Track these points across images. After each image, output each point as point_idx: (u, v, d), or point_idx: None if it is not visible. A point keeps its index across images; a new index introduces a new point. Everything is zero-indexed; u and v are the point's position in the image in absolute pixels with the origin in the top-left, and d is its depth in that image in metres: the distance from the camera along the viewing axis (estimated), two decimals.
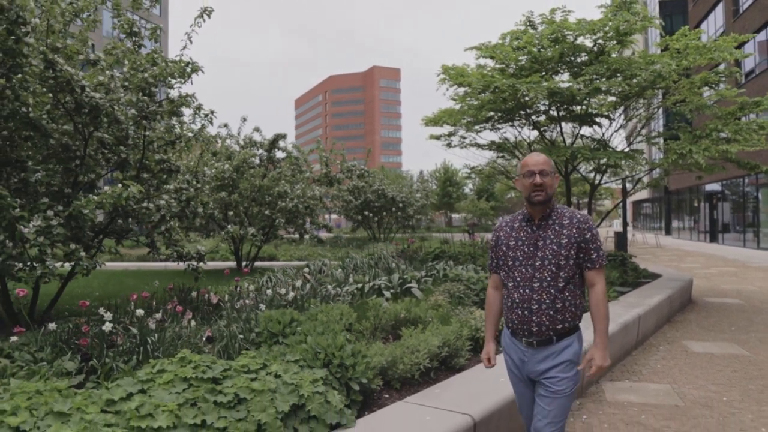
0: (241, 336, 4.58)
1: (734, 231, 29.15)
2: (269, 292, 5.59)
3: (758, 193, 25.78)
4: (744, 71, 26.34)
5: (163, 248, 6.76)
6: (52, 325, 4.14)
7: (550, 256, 2.77)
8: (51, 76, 4.91)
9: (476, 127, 12.16)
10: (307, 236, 12.98)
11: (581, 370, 2.86)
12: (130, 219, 5.97)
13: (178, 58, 6.44)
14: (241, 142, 14.44)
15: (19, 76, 4.88)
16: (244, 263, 14.44)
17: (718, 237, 31.31)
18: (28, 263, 5.10)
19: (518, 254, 2.85)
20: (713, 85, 10.94)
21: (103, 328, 3.90)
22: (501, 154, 13.64)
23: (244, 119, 14.44)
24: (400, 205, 25.09)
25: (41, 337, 4.27)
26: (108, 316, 4.18)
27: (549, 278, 2.76)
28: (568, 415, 2.86)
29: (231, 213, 12.50)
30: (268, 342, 4.42)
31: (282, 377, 3.45)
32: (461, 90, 11.55)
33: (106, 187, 4.98)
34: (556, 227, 2.81)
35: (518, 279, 2.83)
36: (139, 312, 4.31)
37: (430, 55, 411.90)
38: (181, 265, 6.98)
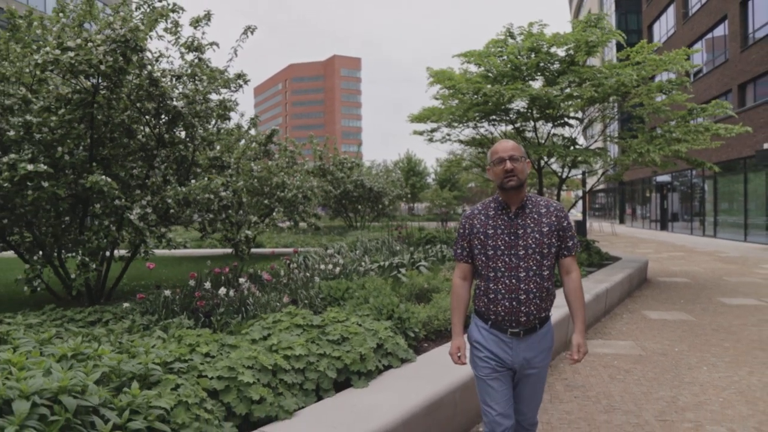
0: (306, 301, 5.76)
1: (682, 220, 31.45)
2: (322, 266, 6.78)
3: (704, 185, 28.03)
4: (693, 71, 28.43)
5: (211, 232, 7.81)
6: (167, 292, 5.23)
7: (533, 245, 2.73)
8: (147, 89, 5.93)
9: (460, 125, 13.51)
10: (304, 224, 14.02)
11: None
12: (191, 208, 7.00)
13: (224, 68, 7.51)
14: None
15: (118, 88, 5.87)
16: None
17: (668, 225, 33.61)
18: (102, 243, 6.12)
19: (499, 243, 2.77)
20: (667, 92, 12.54)
21: (219, 292, 5.02)
22: (480, 150, 15.02)
23: (242, 115, 15.33)
24: (378, 195, 26.29)
25: (151, 303, 5.36)
26: (207, 285, 5.31)
27: (535, 267, 2.72)
28: None
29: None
30: (333, 304, 5.62)
31: (362, 325, 4.67)
32: (446, 91, 12.90)
33: (193, 180, 6.03)
34: (535, 215, 2.77)
35: (502, 269, 2.75)
36: (242, 280, 5.45)
37: (385, 42, 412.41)
38: (177, 252, 7.97)
